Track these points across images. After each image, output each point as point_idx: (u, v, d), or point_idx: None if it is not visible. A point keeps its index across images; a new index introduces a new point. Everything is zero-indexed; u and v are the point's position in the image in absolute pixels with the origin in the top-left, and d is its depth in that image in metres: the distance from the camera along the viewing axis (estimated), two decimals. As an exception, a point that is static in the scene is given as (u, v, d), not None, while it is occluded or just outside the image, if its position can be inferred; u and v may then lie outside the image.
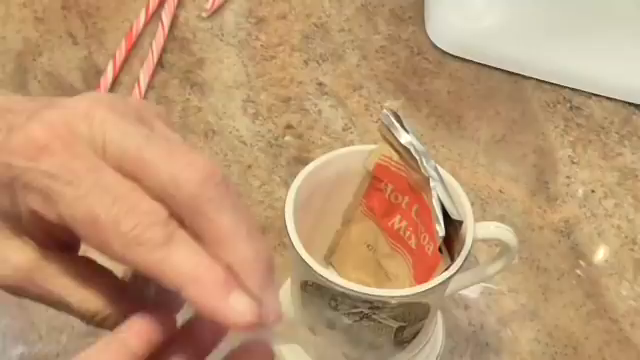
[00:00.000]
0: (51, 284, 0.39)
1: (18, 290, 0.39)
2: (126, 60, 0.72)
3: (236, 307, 0.36)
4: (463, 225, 0.50)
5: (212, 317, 0.36)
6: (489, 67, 0.75)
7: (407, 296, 0.49)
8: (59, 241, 0.39)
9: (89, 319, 0.40)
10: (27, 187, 0.36)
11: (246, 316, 0.36)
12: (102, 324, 0.40)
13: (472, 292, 0.61)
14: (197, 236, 0.37)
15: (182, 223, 0.37)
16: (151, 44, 0.72)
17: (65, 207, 0.36)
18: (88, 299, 0.39)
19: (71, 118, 0.37)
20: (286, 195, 0.51)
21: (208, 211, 0.36)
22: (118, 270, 0.41)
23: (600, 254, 0.65)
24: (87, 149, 0.36)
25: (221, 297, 0.36)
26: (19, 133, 0.36)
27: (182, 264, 0.36)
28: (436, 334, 0.57)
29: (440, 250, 0.49)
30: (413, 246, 0.53)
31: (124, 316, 0.38)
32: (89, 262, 0.40)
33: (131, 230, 0.35)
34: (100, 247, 0.36)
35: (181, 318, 0.39)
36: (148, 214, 0.36)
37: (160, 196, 0.36)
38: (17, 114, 0.38)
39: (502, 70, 0.75)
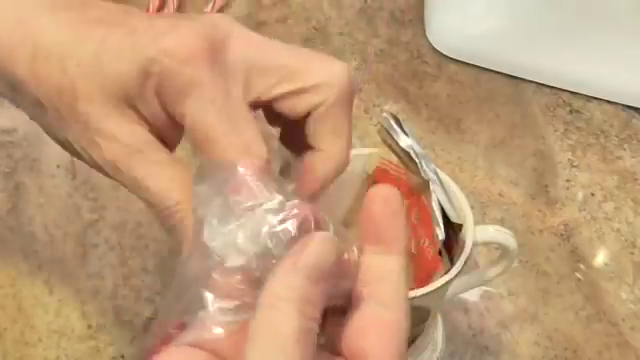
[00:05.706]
0: (144, 168, 0.41)
1: (113, 170, 0.41)
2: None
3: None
4: (463, 228, 0.50)
5: None
6: (489, 70, 0.75)
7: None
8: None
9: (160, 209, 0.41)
10: (167, 80, 0.39)
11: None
12: (169, 218, 0.41)
13: (472, 295, 0.61)
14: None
15: None
16: (151, 47, 0.72)
17: (189, 108, 0.39)
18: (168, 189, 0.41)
19: (212, 33, 0.41)
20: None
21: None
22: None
23: (600, 257, 0.65)
24: (223, 69, 0.40)
25: None
26: (170, 36, 0.40)
27: None
28: (436, 338, 0.57)
29: (440, 254, 0.49)
30: (413, 250, 0.53)
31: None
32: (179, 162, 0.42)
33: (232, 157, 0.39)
34: (197, 147, 0.40)
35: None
36: (255, 154, 0.40)
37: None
38: (144, 20, 0.41)
39: (502, 73, 0.75)
